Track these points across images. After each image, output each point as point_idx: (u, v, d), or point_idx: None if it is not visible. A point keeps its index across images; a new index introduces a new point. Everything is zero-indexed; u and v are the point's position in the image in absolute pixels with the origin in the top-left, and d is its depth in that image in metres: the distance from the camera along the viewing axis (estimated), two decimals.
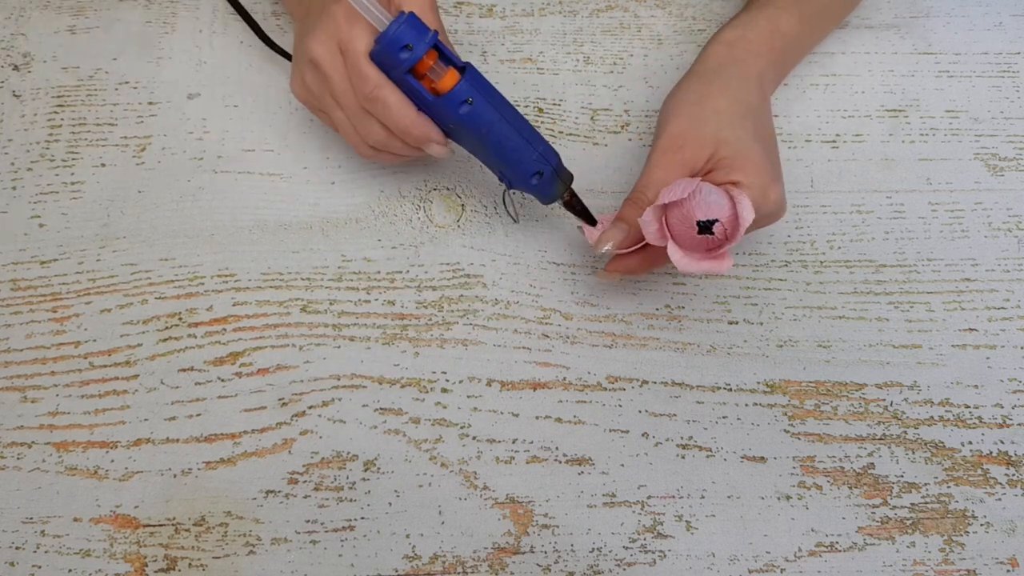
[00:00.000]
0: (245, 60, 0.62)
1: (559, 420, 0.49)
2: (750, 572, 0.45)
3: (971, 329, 0.52)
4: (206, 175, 0.57)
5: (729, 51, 0.52)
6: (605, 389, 0.50)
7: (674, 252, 0.45)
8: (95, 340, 0.51)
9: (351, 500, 0.47)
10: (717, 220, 0.44)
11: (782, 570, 0.45)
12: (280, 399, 0.49)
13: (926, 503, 0.47)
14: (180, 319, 0.52)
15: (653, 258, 0.49)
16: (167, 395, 0.49)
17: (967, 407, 0.50)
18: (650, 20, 0.64)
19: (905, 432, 0.49)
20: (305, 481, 0.47)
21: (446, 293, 0.53)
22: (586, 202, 0.50)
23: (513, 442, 0.48)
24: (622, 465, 0.48)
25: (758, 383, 0.50)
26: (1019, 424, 0.49)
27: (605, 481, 0.47)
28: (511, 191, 0.53)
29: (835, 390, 0.50)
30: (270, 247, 0.54)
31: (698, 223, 0.45)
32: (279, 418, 0.49)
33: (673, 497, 0.47)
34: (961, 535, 0.46)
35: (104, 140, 0.58)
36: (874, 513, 0.46)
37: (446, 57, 0.45)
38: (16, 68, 0.61)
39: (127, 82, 0.61)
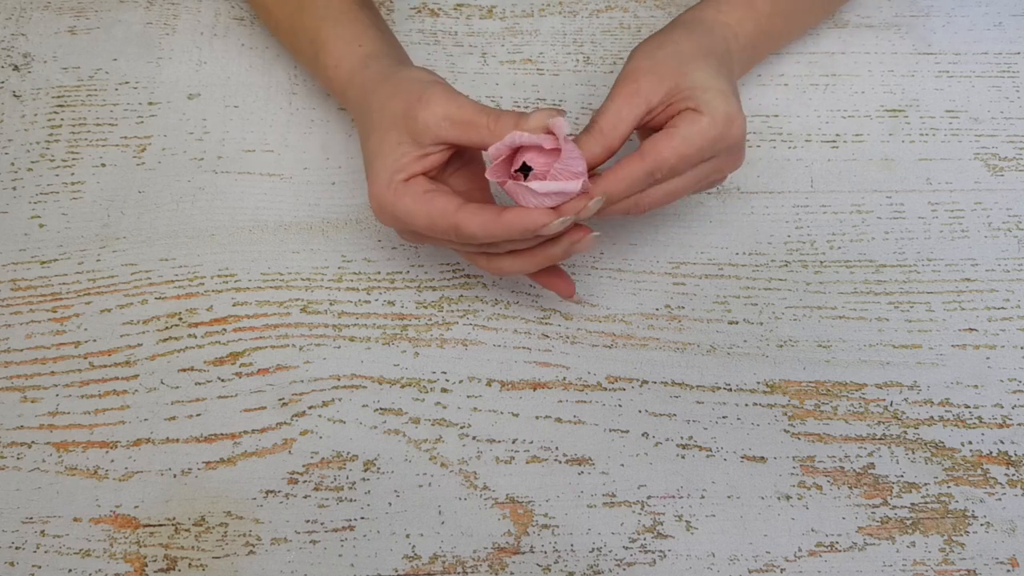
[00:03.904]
0: (246, 61, 0.62)
1: (559, 420, 0.49)
2: (750, 572, 0.45)
3: (971, 329, 0.52)
4: (206, 175, 0.57)
5: (699, 14, 0.51)
6: (605, 389, 0.50)
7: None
8: (95, 340, 0.51)
9: (351, 500, 0.47)
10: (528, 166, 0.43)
11: (782, 570, 0.45)
12: (280, 399, 0.49)
13: (926, 503, 0.47)
14: (180, 319, 0.52)
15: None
16: (167, 395, 0.49)
17: (967, 407, 0.50)
18: (650, 20, 0.64)
19: (905, 432, 0.49)
20: (305, 481, 0.47)
21: (446, 293, 0.53)
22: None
23: (513, 442, 0.48)
24: (622, 465, 0.48)
25: (758, 383, 0.50)
26: (1019, 424, 0.49)
27: (605, 481, 0.47)
28: None
29: (835, 390, 0.50)
30: (270, 247, 0.54)
31: (519, 170, 0.43)
32: (279, 418, 0.49)
33: (673, 497, 0.47)
34: (961, 535, 0.46)
35: (104, 140, 0.58)
36: (874, 513, 0.46)
37: None
38: (16, 68, 0.61)
39: (127, 82, 0.61)
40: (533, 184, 0.41)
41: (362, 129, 0.48)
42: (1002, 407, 0.50)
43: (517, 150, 0.43)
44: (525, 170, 0.43)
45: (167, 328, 0.51)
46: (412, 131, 0.45)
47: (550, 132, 0.42)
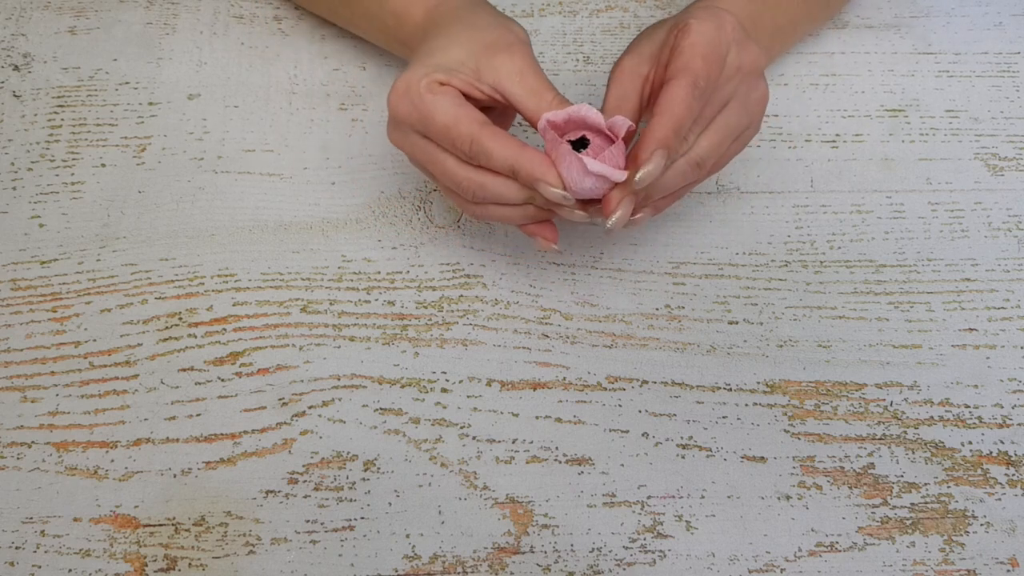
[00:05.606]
0: (245, 61, 0.62)
1: (559, 420, 0.49)
2: (750, 572, 0.45)
3: (971, 329, 0.52)
4: (206, 175, 0.57)
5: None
6: (605, 389, 0.50)
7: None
8: (95, 340, 0.51)
9: (351, 500, 0.47)
10: (583, 136, 0.44)
11: (782, 570, 0.45)
12: (280, 399, 0.49)
13: (926, 503, 0.47)
14: (180, 319, 0.52)
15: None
16: (167, 395, 0.49)
17: (967, 407, 0.50)
18: (650, 20, 0.64)
19: (905, 432, 0.49)
20: (305, 481, 0.47)
21: (446, 293, 0.53)
22: None
23: (513, 442, 0.48)
24: (622, 465, 0.48)
25: (758, 383, 0.50)
26: (1019, 424, 0.49)
27: (605, 481, 0.47)
28: None
29: (835, 390, 0.50)
30: (270, 247, 0.54)
31: (570, 142, 0.44)
32: (279, 418, 0.49)
33: (673, 497, 0.47)
34: (961, 535, 0.46)
35: (104, 140, 0.58)
36: (874, 513, 0.46)
37: None
38: (16, 68, 0.61)
39: (127, 82, 0.61)
40: (586, 159, 0.42)
41: (427, 38, 0.48)
42: (1002, 407, 0.50)
43: (565, 131, 0.44)
44: (581, 144, 0.43)
45: (167, 328, 0.51)
46: (482, 64, 0.45)
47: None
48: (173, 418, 0.49)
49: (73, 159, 0.58)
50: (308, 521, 0.46)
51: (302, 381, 0.50)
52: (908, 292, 0.53)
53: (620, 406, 0.49)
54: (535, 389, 0.50)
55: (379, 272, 0.54)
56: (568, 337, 0.52)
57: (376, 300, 0.53)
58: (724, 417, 0.49)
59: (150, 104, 0.60)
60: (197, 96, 0.60)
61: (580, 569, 0.45)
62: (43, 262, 0.54)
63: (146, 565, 0.45)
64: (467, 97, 0.45)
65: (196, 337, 0.51)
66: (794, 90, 0.61)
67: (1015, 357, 0.51)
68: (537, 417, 0.49)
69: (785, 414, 0.49)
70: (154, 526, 0.46)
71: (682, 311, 0.53)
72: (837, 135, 0.59)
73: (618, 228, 0.44)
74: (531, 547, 0.45)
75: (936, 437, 0.49)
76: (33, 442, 0.48)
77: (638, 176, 0.42)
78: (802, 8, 0.57)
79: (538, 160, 0.43)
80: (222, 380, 0.50)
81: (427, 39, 0.48)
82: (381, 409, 0.49)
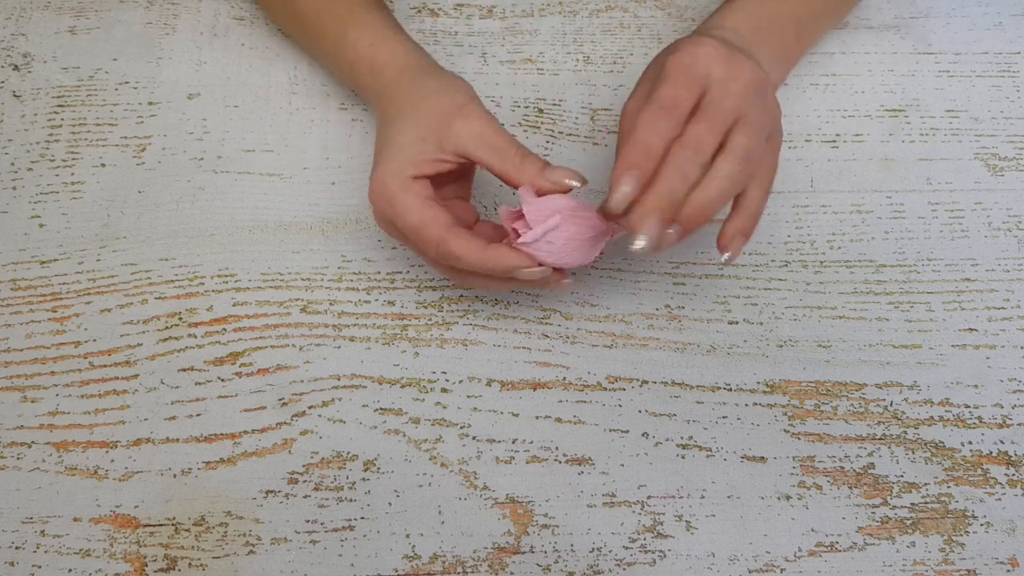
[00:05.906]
0: (245, 61, 0.62)
1: (559, 420, 0.49)
2: (750, 572, 0.45)
3: (971, 329, 0.52)
4: (206, 175, 0.57)
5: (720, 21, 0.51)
6: (605, 389, 0.50)
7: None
8: (95, 340, 0.51)
9: (351, 500, 0.47)
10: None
11: (782, 570, 0.45)
12: (280, 399, 0.49)
13: (926, 503, 0.47)
14: (180, 319, 0.52)
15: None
16: (167, 395, 0.49)
17: (967, 407, 0.50)
18: (650, 20, 0.64)
19: (905, 432, 0.49)
20: (305, 481, 0.47)
21: (446, 293, 0.53)
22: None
23: (513, 442, 0.48)
24: (622, 465, 0.48)
25: (758, 383, 0.50)
26: (1019, 424, 0.49)
27: (605, 481, 0.47)
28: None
29: (835, 390, 0.50)
30: (270, 247, 0.54)
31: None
32: (279, 418, 0.49)
33: (673, 497, 0.47)
34: (961, 535, 0.46)
35: (104, 140, 0.58)
36: (874, 513, 0.46)
37: None
38: (16, 68, 0.61)
39: (127, 82, 0.61)
40: (518, 242, 0.44)
41: (385, 113, 0.49)
42: (1002, 407, 0.50)
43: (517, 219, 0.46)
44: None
45: (167, 328, 0.51)
46: (441, 135, 0.46)
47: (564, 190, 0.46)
48: (173, 418, 0.49)
49: (73, 159, 0.58)
50: (308, 521, 0.46)
51: (302, 381, 0.50)
52: (908, 292, 0.53)
53: (620, 406, 0.49)
54: (535, 389, 0.50)
55: (379, 272, 0.54)
56: (568, 337, 0.52)
57: (376, 300, 0.53)
58: (724, 417, 0.49)
59: (150, 104, 0.60)
60: (197, 96, 0.60)
61: (580, 569, 0.45)
62: (43, 262, 0.54)
63: (146, 565, 0.45)
64: (439, 176, 0.47)
65: (196, 337, 0.51)
66: (794, 90, 0.61)
67: (1015, 357, 0.51)
68: (537, 417, 0.49)
69: (785, 414, 0.49)
70: (154, 526, 0.46)
71: (682, 311, 0.53)
72: (837, 135, 0.59)
73: (650, 249, 0.42)
74: (531, 547, 0.45)
75: (936, 437, 0.49)
76: (33, 442, 0.48)
77: (612, 203, 0.42)
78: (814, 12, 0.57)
79: (503, 253, 0.44)
80: (222, 380, 0.50)
81: (385, 118, 0.49)
82: (381, 409, 0.49)
